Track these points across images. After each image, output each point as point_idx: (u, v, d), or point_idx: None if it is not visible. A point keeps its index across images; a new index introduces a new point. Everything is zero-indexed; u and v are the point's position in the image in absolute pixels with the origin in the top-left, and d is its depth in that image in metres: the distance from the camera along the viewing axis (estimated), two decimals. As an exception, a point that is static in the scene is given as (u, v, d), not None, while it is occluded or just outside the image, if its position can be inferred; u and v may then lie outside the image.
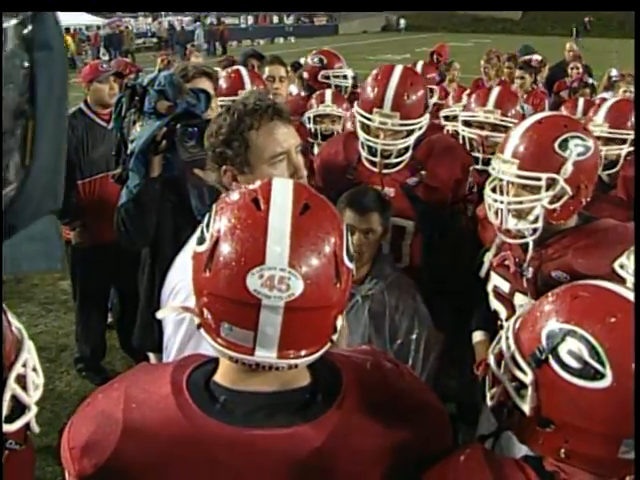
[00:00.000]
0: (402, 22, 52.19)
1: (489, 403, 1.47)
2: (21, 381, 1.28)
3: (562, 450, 1.29)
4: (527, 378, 1.32)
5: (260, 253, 1.18)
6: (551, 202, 2.29)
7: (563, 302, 1.35)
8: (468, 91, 5.13)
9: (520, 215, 2.36)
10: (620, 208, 3.00)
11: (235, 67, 4.34)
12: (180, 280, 1.92)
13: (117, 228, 2.95)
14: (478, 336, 2.89)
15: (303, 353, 1.26)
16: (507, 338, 1.42)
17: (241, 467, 1.26)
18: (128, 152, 2.97)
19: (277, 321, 1.19)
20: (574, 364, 1.25)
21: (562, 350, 1.27)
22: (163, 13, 40.14)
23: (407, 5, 43.29)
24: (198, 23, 35.97)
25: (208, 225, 1.27)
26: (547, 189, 2.27)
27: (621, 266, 2.17)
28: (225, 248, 1.20)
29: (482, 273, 2.67)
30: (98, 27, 33.36)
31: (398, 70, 3.22)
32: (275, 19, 47.57)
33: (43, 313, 6.08)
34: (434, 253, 3.36)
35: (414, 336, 2.84)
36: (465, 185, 3.42)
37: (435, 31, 49.55)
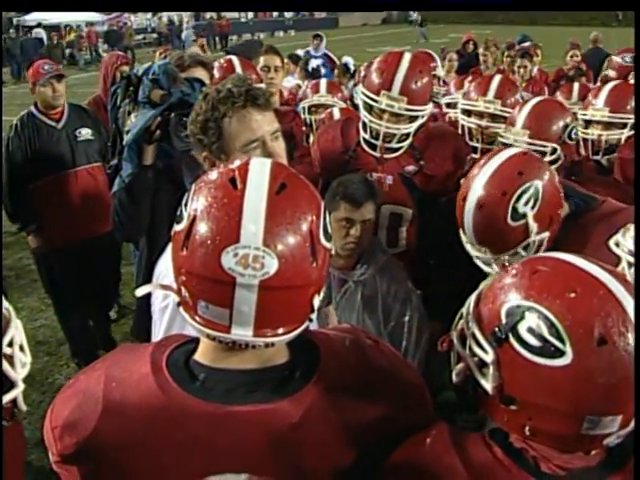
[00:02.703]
0: (415, 14, 51.58)
1: (454, 379, 1.46)
2: (9, 359, 1.30)
3: (526, 428, 1.27)
4: (488, 357, 1.29)
5: (235, 232, 1.18)
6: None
7: (522, 277, 1.31)
8: (470, 78, 5.13)
9: None
10: (615, 190, 2.96)
11: (228, 57, 4.33)
12: (165, 268, 1.92)
13: (112, 218, 2.94)
14: None
15: (280, 331, 1.26)
16: (468, 315, 1.39)
17: (221, 443, 1.28)
18: (124, 143, 2.96)
19: (252, 299, 1.20)
20: (534, 342, 1.22)
21: (522, 328, 1.24)
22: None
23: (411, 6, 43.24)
24: (187, 24, 35.43)
25: (186, 204, 1.28)
26: None
27: (616, 244, 2.12)
28: (201, 227, 1.21)
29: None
30: (92, 24, 33.18)
31: (408, 56, 3.25)
32: (275, 13, 47.54)
33: (43, 307, 6.10)
34: (430, 240, 3.38)
35: (406, 318, 2.86)
36: (462, 174, 3.42)
37: (435, 23, 49.38)
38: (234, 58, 4.26)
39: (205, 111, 2.06)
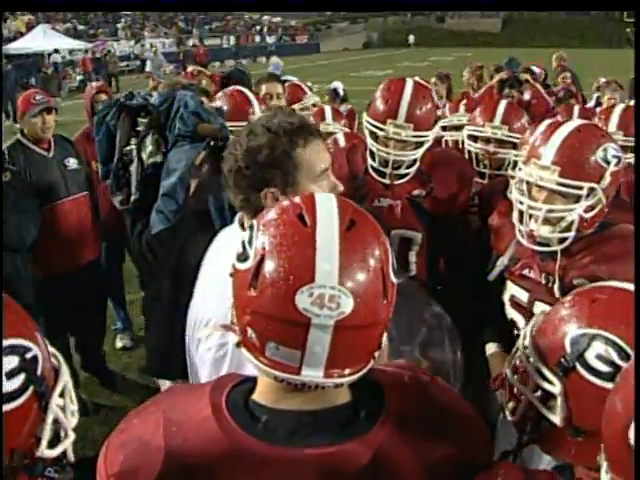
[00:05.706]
0: (411, 38, 52.25)
1: (510, 418, 1.42)
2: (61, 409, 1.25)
3: (597, 458, 1.24)
4: (555, 388, 1.29)
5: (309, 271, 1.15)
6: (585, 211, 2.29)
7: (582, 306, 1.32)
8: (464, 101, 5.19)
9: (549, 222, 2.34)
10: (626, 211, 2.95)
11: (236, 88, 3.88)
12: (212, 315, 1.81)
13: (142, 256, 2.84)
14: (492, 348, 2.80)
15: (347, 372, 1.23)
16: (525, 348, 1.38)
17: None
18: (142, 175, 2.86)
19: (326, 340, 1.17)
20: (604, 368, 1.22)
21: (590, 356, 1.24)
22: (146, 36, 40.15)
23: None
24: (148, 51, 34.80)
25: (251, 241, 1.23)
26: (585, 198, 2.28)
27: None
28: (272, 266, 1.17)
29: (491, 277, 2.65)
30: (86, 51, 33.08)
31: (410, 83, 3.27)
32: (257, 39, 47.99)
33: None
34: (439, 264, 3.36)
35: (420, 339, 2.76)
36: (468, 196, 3.44)
37: (416, 46, 50.03)
38: (244, 90, 4.03)
39: (277, 144, 1.96)
